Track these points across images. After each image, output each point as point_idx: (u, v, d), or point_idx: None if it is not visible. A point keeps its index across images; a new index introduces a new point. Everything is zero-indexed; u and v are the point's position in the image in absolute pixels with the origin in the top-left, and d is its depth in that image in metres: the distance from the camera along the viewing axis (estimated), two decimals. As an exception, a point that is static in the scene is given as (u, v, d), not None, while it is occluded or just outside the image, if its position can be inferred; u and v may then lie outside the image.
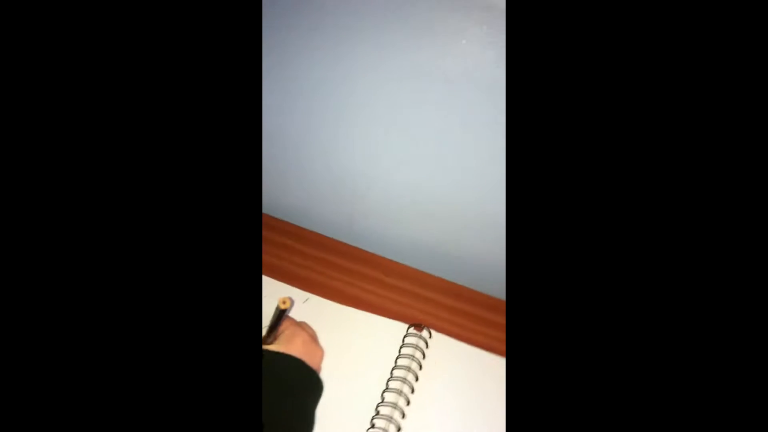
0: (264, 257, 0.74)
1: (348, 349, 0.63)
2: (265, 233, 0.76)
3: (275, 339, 0.56)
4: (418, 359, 0.62)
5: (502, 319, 0.69)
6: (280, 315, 0.50)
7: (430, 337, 0.65)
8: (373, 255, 0.75)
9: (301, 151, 0.76)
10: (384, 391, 0.59)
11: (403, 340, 0.64)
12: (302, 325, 0.59)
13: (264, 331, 0.60)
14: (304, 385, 0.54)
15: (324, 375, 0.56)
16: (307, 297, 0.69)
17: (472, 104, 0.60)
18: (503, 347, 0.65)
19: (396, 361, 0.62)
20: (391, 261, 0.75)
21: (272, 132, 0.74)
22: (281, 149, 0.76)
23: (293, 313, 0.65)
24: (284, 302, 0.46)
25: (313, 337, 0.59)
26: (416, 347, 0.63)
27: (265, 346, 0.55)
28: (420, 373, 0.61)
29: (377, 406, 0.58)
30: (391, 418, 0.57)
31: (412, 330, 0.65)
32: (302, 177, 0.79)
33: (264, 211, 0.80)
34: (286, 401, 0.50)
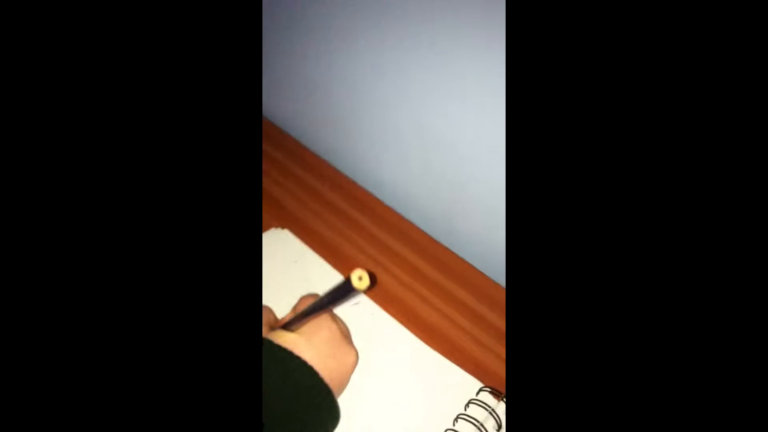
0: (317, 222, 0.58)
1: (395, 380, 0.46)
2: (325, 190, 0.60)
3: (300, 326, 0.40)
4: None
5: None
6: (339, 295, 0.33)
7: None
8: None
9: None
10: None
11: (470, 402, 0.46)
12: (334, 317, 0.43)
13: (289, 311, 0.44)
14: (311, 408, 0.37)
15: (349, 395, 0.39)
16: (357, 300, 0.52)
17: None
18: None
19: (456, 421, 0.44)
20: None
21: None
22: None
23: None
24: (360, 278, 0.29)
25: (344, 334, 0.42)
26: (489, 412, 0.44)
27: (278, 334, 0.39)
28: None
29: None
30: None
31: (485, 392, 0.46)
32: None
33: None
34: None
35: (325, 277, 0.53)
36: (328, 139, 0.70)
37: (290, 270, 0.54)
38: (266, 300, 0.47)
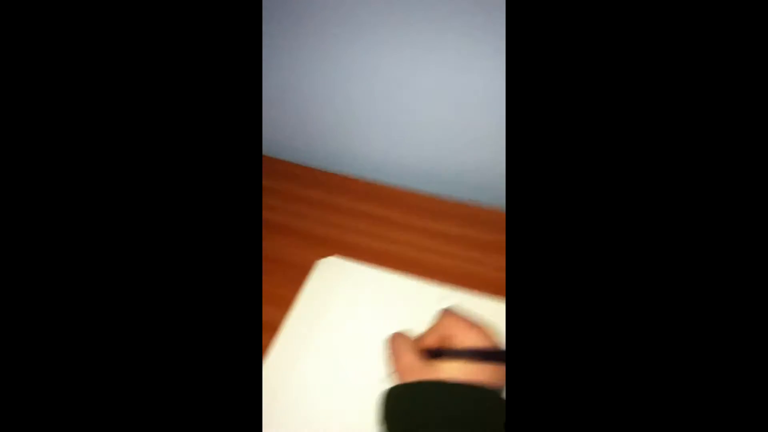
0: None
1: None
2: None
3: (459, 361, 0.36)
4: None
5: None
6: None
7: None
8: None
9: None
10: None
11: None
12: (477, 324, 0.39)
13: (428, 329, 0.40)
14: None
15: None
16: (444, 295, 0.50)
17: None
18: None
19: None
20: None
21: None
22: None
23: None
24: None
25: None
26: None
27: (440, 367, 0.36)
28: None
29: None
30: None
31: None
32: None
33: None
34: None
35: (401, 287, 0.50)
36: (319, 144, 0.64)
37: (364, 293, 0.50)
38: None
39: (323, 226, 0.56)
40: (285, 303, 0.49)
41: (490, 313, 0.44)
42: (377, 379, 0.44)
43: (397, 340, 0.39)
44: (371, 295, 0.50)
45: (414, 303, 0.49)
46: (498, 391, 0.35)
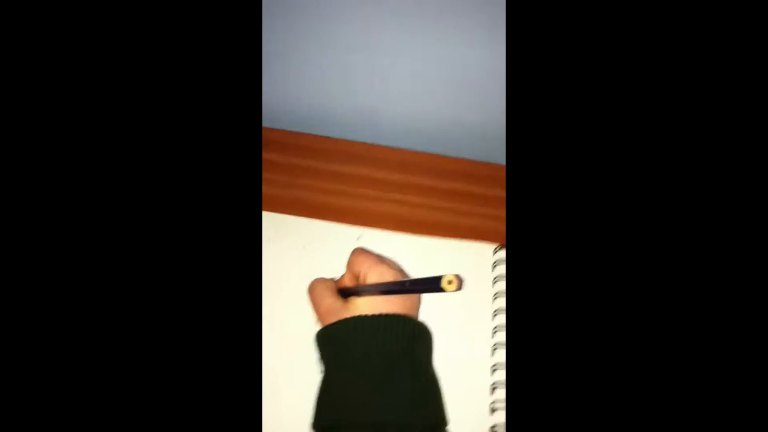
0: (277, 189, 0.56)
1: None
2: (271, 156, 0.57)
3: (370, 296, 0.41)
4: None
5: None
6: (423, 288, 0.35)
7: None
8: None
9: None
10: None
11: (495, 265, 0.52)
12: (384, 260, 0.44)
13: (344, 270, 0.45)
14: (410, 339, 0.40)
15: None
16: (359, 233, 0.54)
17: None
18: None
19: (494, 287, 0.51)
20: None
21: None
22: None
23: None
24: (450, 282, 0.31)
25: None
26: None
27: (354, 305, 0.41)
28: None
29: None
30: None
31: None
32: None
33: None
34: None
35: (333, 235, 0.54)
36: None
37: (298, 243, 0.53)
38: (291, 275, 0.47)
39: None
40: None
41: (398, 248, 0.49)
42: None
43: (316, 286, 0.44)
44: (292, 243, 0.53)
45: (332, 245, 0.53)
46: (407, 317, 0.40)
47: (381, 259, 0.43)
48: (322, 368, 0.41)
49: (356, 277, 0.43)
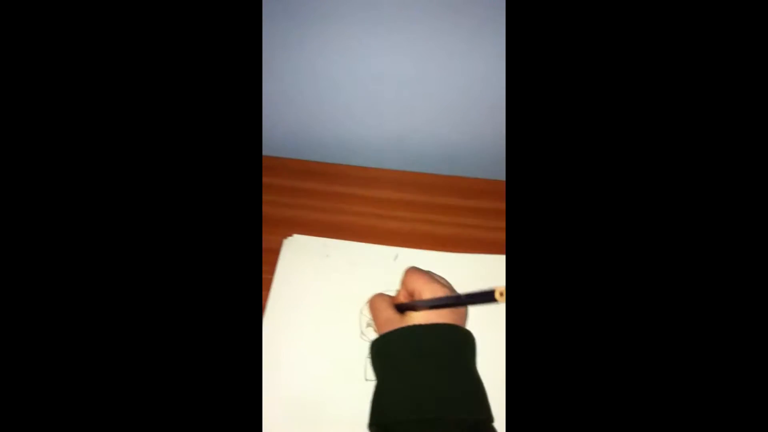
0: (326, 215, 0.61)
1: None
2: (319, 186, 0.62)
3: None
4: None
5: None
6: (476, 300, 0.40)
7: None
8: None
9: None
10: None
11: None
12: (435, 277, 0.48)
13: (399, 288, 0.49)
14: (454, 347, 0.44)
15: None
16: (396, 254, 0.58)
17: None
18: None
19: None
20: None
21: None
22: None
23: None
24: (502, 294, 0.36)
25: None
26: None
27: (411, 317, 0.45)
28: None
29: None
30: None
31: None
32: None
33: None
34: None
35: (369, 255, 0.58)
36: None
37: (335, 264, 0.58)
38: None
39: (280, 208, 0.62)
40: (264, 285, 0.55)
41: (444, 266, 0.54)
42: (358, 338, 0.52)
43: (375, 300, 0.48)
44: (336, 263, 0.58)
45: (373, 265, 0.57)
46: (456, 326, 0.44)
47: (433, 277, 0.47)
48: (376, 373, 0.45)
49: (411, 294, 0.47)
